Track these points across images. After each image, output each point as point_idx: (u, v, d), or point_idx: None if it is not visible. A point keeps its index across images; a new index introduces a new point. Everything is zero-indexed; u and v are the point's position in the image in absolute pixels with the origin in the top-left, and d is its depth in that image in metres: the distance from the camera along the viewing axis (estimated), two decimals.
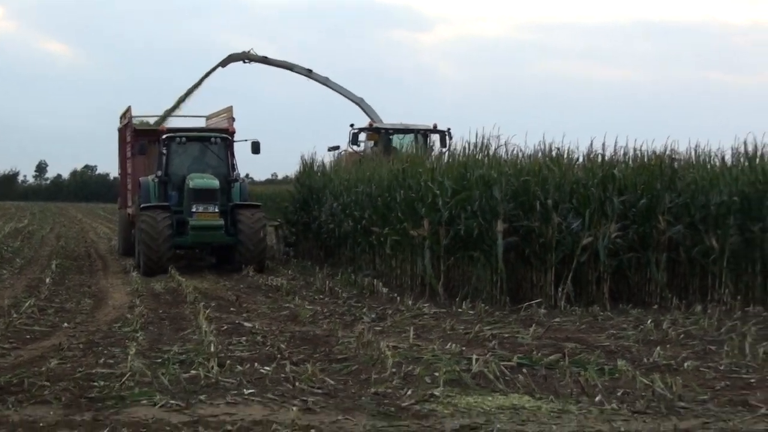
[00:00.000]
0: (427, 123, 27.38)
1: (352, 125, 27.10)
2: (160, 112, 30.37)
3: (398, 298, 16.40)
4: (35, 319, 13.92)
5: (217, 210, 21.89)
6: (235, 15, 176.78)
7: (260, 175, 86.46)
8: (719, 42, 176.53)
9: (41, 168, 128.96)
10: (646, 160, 16.85)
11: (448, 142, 25.47)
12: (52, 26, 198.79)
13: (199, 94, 32.69)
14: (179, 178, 22.63)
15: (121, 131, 27.33)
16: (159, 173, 22.97)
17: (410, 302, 15.77)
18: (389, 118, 30.58)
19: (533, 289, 16.27)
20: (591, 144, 17.37)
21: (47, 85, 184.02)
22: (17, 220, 52.47)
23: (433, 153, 23.35)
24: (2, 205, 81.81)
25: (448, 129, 26.52)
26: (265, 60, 33.98)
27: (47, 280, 19.10)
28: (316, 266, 22.68)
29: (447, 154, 20.40)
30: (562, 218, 15.99)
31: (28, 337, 12.44)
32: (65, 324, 13.63)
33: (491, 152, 17.24)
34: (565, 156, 17.24)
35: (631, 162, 17.03)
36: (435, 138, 26.96)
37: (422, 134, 26.91)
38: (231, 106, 25.62)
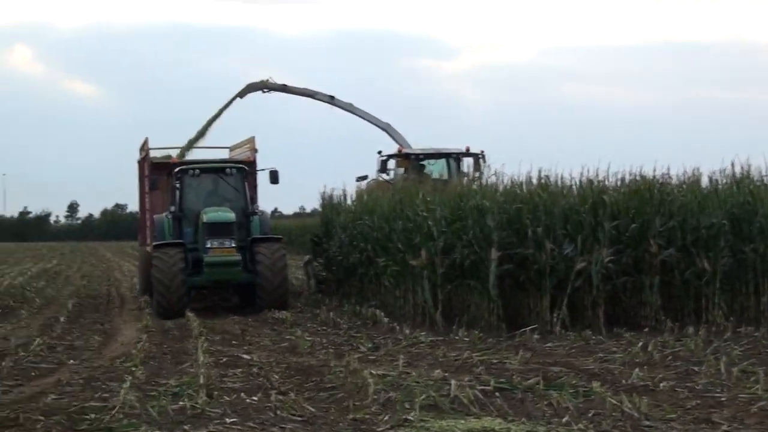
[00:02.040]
0: (459, 147, 25.91)
1: (379, 152, 25.83)
2: (181, 145, 28.74)
3: (398, 327, 16.71)
4: (43, 357, 14.38)
5: (233, 245, 20.56)
6: (256, 47, 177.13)
7: (288, 209, 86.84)
8: (745, 60, 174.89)
9: (73, 208, 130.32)
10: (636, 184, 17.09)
11: (482, 165, 24.10)
12: (78, 67, 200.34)
13: (227, 126, 31.26)
14: (194, 213, 21.41)
15: (140, 164, 25.80)
16: (172, 209, 21.77)
17: (407, 331, 16.09)
18: (417, 145, 28.56)
19: (530, 315, 16.53)
20: (583, 170, 17.65)
21: (77, 126, 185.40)
22: (47, 260, 53.31)
23: (466, 178, 22.84)
24: (34, 247, 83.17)
25: (482, 152, 25.16)
26: (284, 88, 32.43)
27: (62, 319, 19.54)
28: (326, 298, 23.02)
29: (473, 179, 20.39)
30: (555, 244, 16.28)
31: (33, 374, 12.85)
32: (71, 361, 14.03)
33: (484, 181, 17.55)
34: (559, 182, 17.51)
35: (622, 187, 17.27)
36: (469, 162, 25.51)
37: (455, 158, 25.67)
38: (253, 137, 24.54)
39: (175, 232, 21.54)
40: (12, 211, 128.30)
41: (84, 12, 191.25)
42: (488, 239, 16.40)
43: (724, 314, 16.17)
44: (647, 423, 9.14)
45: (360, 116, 31.99)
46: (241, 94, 31.62)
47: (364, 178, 25.91)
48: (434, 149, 26.25)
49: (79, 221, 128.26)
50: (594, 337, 15.16)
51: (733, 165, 17.32)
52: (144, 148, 25.06)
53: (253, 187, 22.90)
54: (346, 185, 25.53)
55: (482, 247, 16.47)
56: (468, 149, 25.57)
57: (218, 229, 20.63)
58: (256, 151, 23.93)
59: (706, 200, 16.70)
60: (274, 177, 22.75)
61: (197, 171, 22.05)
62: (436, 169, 25.56)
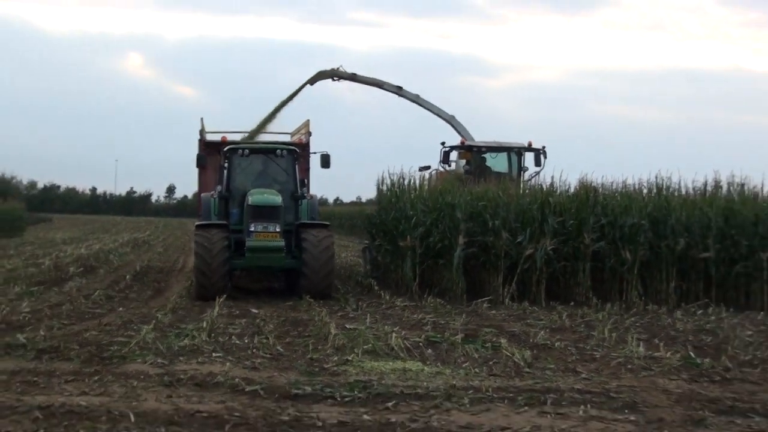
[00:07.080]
0: (521, 141, 22.77)
1: (443, 143, 22.50)
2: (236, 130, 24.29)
3: (382, 294, 17.58)
4: (100, 304, 15.42)
5: (278, 229, 17.18)
6: (324, 60, 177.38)
7: (348, 197, 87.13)
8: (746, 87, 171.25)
9: (171, 190, 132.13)
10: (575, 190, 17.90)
11: (542, 161, 21.98)
12: (180, 73, 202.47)
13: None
14: (241, 193, 18.07)
15: (199, 144, 21.84)
16: (219, 188, 18.63)
17: (387, 297, 16.97)
18: (480, 139, 24.65)
19: (488, 289, 17.35)
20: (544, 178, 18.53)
21: (177, 122, 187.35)
22: (141, 231, 54.51)
23: (526, 173, 22.04)
24: (135, 221, 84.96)
25: (543, 147, 22.15)
26: (354, 77, 28.48)
27: (127, 277, 20.56)
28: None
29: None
30: (510, 234, 17.09)
31: (86, 316, 13.86)
32: (121, 308, 15.07)
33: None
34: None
35: (566, 191, 18.07)
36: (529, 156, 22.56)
37: (516, 152, 22.50)
38: (308, 120, 21.78)
39: (221, 212, 18.46)
40: (121, 190, 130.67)
41: (187, 26, 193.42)
42: (457, 228, 17.28)
43: (639, 295, 16.93)
44: (527, 370, 10.00)
45: (425, 107, 28.14)
46: (312, 81, 28.18)
47: (427, 168, 22.50)
48: (496, 143, 23.05)
49: (176, 201, 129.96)
50: (530, 308, 15.97)
51: (657, 177, 18.14)
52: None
53: (305, 171, 20.13)
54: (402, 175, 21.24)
55: (452, 234, 17.34)
56: (530, 144, 22.51)
57: (263, 212, 17.29)
58: (310, 134, 21.31)
59: (632, 204, 17.41)
60: (325, 161, 19.25)
61: (246, 151, 18.70)
62: (497, 162, 22.94)
